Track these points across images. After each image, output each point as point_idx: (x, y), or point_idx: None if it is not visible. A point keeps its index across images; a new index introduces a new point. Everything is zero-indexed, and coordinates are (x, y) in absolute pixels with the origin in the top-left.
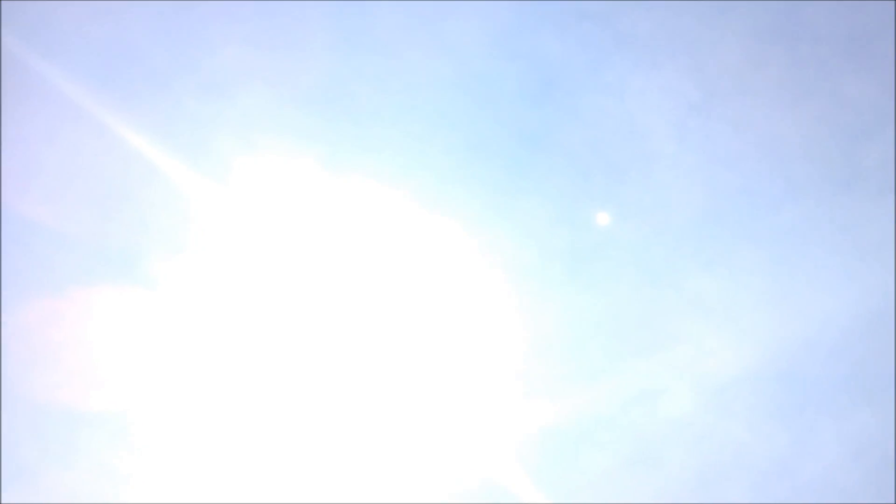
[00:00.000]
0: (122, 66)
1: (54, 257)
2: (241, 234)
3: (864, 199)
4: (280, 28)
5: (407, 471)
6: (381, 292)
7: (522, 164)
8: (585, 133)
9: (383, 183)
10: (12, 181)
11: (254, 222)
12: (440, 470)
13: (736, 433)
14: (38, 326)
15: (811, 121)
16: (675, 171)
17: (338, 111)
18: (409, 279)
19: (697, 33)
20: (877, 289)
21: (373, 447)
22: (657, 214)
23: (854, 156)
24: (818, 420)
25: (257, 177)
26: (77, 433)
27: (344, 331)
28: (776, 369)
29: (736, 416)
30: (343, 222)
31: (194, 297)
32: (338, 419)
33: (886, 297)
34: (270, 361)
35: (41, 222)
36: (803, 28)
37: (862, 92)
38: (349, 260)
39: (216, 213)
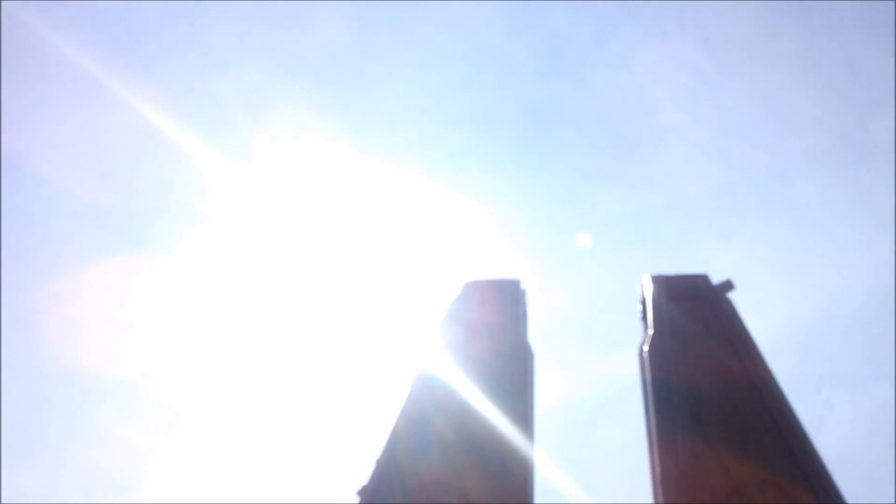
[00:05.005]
0: (135, 39)
1: (71, 228)
2: (254, 204)
3: (879, 171)
4: (292, 2)
5: None
6: (389, 263)
7: (531, 138)
8: (594, 106)
9: (393, 156)
10: (28, 153)
11: (266, 193)
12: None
13: None
14: (59, 296)
15: (825, 91)
16: (686, 143)
17: (348, 85)
18: (417, 250)
19: (708, 2)
20: (893, 261)
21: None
22: (669, 188)
23: (869, 126)
24: (835, 393)
25: (269, 149)
26: (99, 400)
27: (352, 301)
28: (792, 343)
29: None
30: (353, 193)
31: (209, 266)
32: (347, 389)
33: None
34: (283, 327)
35: (55, 193)
36: None
37: (876, 61)
38: (359, 230)
39: (230, 184)
